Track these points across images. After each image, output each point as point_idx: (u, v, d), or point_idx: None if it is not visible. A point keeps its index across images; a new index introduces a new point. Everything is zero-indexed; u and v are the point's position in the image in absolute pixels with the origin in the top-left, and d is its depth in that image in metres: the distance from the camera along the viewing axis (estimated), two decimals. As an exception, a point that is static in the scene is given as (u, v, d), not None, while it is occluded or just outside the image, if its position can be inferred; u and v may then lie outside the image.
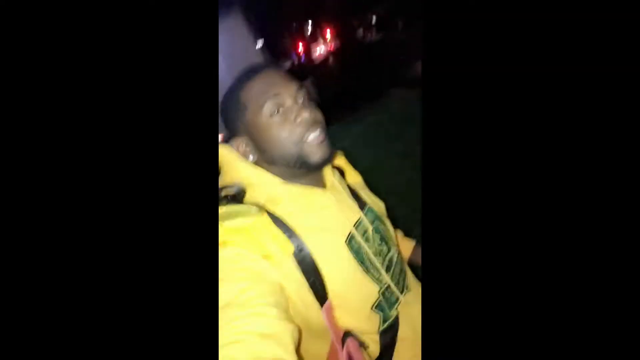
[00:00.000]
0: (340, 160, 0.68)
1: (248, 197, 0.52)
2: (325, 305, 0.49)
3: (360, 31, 14.24)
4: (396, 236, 0.72)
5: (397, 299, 0.56)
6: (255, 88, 0.51)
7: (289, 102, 0.51)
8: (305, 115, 0.50)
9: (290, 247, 0.47)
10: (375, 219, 0.60)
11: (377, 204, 0.65)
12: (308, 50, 15.04)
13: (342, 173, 0.65)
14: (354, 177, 0.67)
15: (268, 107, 0.50)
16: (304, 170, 0.53)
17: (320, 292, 0.48)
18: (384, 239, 0.58)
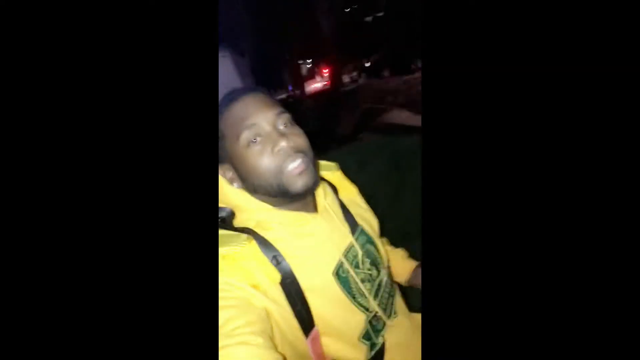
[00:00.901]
0: (334, 175, 0.66)
1: (238, 220, 0.52)
2: (311, 334, 0.49)
3: (355, 74, 15.02)
4: (397, 256, 0.74)
5: (384, 325, 0.56)
6: (232, 117, 0.50)
7: (267, 129, 0.50)
8: (283, 144, 0.48)
9: (277, 276, 0.47)
10: (367, 241, 0.59)
11: (369, 223, 0.63)
12: (302, 86, 15.68)
13: (335, 189, 0.64)
14: (349, 192, 0.66)
15: (245, 137, 0.49)
16: (287, 199, 0.52)
17: (306, 320, 0.48)
18: (374, 263, 0.58)
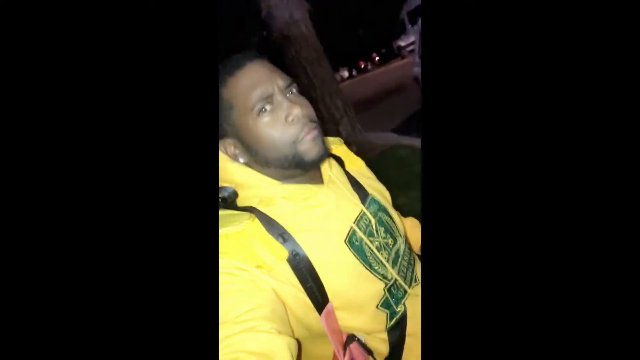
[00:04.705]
0: (339, 149, 0.64)
1: (241, 199, 0.50)
2: (325, 310, 0.46)
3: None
4: (411, 224, 0.71)
5: (405, 293, 0.53)
6: (241, 84, 0.47)
7: (278, 98, 0.47)
8: (297, 112, 0.46)
9: (284, 253, 0.45)
10: (379, 209, 0.56)
11: (381, 193, 0.61)
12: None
13: (341, 162, 0.61)
14: (356, 164, 0.63)
15: (257, 107, 0.46)
16: (300, 170, 0.50)
17: (318, 296, 0.46)
18: (389, 231, 0.55)
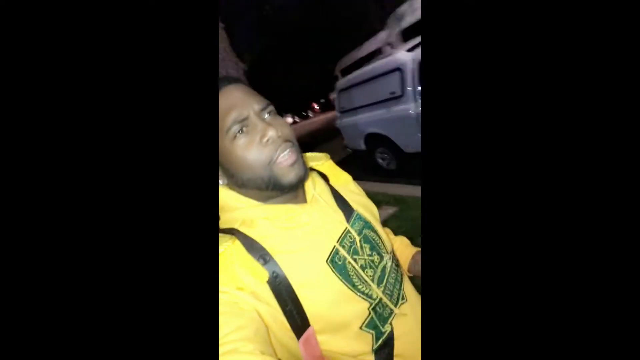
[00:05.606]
0: (325, 165, 0.63)
1: (222, 221, 0.50)
2: (304, 337, 0.45)
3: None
4: (400, 243, 0.71)
5: (391, 312, 0.52)
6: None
7: (253, 120, 0.47)
8: (271, 133, 0.47)
9: (264, 274, 0.45)
10: (364, 226, 0.56)
11: (367, 208, 0.60)
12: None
13: (327, 179, 0.61)
14: (342, 180, 0.63)
15: (231, 130, 0.46)
16: (278, 192, 0.49)
17: (297, 320, 0.45)
18: (375, 248, 0.55)
